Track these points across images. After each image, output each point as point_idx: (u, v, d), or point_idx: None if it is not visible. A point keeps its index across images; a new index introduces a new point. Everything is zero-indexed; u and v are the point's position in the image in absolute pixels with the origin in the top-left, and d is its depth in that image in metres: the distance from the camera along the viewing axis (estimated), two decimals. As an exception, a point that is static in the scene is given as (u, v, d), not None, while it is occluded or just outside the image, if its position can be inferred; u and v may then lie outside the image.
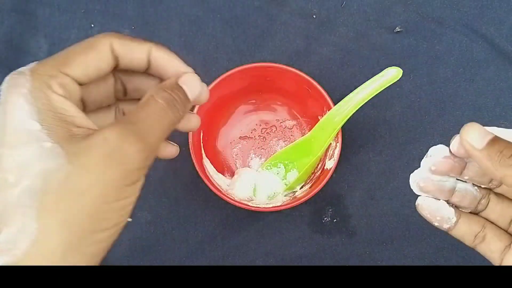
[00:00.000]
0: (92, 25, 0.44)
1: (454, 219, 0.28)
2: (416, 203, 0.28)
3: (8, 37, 0.43)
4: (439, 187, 0.28)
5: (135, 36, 0.24)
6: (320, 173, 0.41)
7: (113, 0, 0.44)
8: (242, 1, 0.44)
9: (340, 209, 0.43)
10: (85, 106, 0.25)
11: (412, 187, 0.28)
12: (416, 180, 0.28)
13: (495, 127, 0.25)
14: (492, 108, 0.44)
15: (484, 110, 0.44)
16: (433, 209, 0.28)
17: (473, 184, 0.28)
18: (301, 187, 0.42)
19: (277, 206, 0.38)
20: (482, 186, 0.28)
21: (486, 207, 0.28)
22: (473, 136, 0.24)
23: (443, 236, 0.43)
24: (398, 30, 0.37)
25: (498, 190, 0.28)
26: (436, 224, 0.28)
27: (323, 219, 0.43)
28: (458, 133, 0.26)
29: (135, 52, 0.24)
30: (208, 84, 0.39)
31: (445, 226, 0.28)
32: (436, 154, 0.28)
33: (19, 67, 0.22)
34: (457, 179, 0.28)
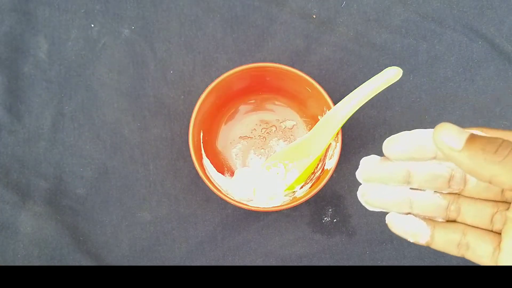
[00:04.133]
0: (92, 25, 0.44)
1: (429, 232, 0.25)
2: (386, 222, 0.26)
3: (8, 37, 0.43)
4: (384, 200, 0.25)
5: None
6: (320, 173, 0.41)
7: (113, 0, 0.44)
8: (242, 1, 0.44)
9: (340, 209, 0.43)
10: None
11: (362, 203, 0.26)
12: (360, 193, 0.26)
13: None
14: (492, 108, 0.44)
15: (484, 110, 0.44)
16: (402, 224, 0.25)
17: (434, 191, 0.25)
18: (301, 187, 0.42)
19: (277, 206, 0.38)
20: (444, 192, 0.25)
21: (459, 214, 0.25)
22: (449, 136, 0.21)
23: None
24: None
25: (466, 193, 0.25)
26: (411, 240, 0.26)
27: (323, 219, 0.43)
28: (389, 136, 0.24)
29: None
30: (208, 84, 0.39)
31: (421, 242, 0.25)
32: (367, 163, 0.25)
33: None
34: (412, 189, 0.25)
